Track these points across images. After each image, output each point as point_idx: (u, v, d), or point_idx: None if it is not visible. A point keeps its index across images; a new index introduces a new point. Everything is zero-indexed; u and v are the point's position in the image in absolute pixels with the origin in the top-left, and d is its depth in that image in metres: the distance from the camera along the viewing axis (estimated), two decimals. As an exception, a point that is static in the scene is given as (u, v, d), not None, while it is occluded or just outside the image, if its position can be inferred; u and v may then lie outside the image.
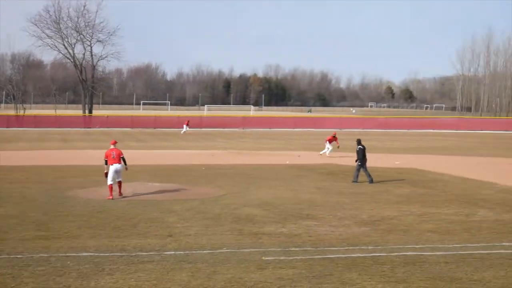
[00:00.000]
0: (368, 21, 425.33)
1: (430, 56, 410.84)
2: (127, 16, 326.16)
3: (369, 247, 16.97)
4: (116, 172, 25.30)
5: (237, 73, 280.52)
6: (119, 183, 25.59)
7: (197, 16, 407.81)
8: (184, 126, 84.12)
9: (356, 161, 31.73)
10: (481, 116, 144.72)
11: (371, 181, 30.74)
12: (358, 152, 31.60)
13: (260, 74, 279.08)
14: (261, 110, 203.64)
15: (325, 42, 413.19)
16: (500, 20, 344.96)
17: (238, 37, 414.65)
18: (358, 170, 31.46)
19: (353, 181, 31.14)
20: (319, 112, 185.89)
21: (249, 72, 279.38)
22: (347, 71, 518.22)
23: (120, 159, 25.47)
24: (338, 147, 46.87)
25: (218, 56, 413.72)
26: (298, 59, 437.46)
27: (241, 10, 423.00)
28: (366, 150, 31.96)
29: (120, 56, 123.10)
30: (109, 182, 25.27)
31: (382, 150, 52.08)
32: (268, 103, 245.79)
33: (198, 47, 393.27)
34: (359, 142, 32.29)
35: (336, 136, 47.67)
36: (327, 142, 46.71)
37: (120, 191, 25.53)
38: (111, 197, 24.89)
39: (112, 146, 25.78)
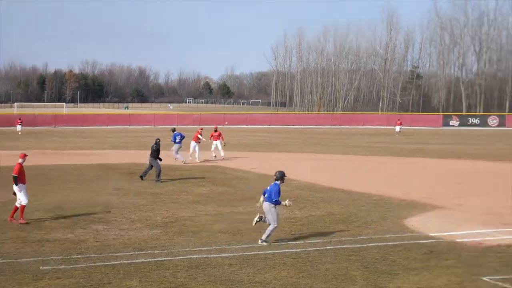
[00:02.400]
0: (184, 16, 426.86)
1: (247, 52, 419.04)
2: None
3: (156, 251, 16.58)
4: None
5: (52, 69, 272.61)
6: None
7: (7, 10, 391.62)
8: (18, 126, 79.50)
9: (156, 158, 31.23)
10: (294, 111, 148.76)
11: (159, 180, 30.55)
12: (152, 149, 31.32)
13: (76, 70, 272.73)
14: (77, 107, 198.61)
15: (142, 37, 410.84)
16: (311, 17, 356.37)
17: (54, 32, 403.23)
18: (150, 167, 31.24)
19: (140, 176, 31.16)
20: (136, 109, 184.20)
21: (64, 68, 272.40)
22: (165, 66, 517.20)
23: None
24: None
25: (32, 51, 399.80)
26: (115, 55, 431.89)
27: (57, 3, 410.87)
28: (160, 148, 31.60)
29: None
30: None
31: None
32: (85, 100, 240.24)
33: (11, 41, 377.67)
34: (156, 140, 31.82)
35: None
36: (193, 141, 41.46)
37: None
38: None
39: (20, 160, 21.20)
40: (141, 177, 31.12)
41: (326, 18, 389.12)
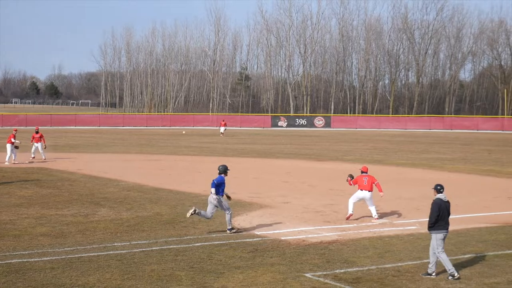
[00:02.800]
0: (9, 12, 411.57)
1: (74, 51, 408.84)
2: None
3: (-28, 257, 15.78)
4: None
5: None
6: None
7: None
8: None
9: None
10: (124, 112, 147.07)
11: None
12: None
13: None
14: None
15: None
16: (138, 16, 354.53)
17: None
18: None
19: None
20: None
21: None
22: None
23: None
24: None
25: None
26: None
27: None
28: None
29: None
30: None
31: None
32: None
33: None
34: None
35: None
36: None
37: None
38: None
39: None
40: None
41: (153, 17, 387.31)
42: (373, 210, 22.07)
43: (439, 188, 15.09)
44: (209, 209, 19.30)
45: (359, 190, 21.99)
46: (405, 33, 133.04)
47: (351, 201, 22.02)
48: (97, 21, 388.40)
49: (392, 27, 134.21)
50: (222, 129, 79.33)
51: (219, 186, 19.16)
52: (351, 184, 22.42)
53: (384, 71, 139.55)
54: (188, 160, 44.11)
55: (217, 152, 50.69)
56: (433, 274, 14.74)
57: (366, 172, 22.23)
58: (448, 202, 15.05)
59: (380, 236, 19.23)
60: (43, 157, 41.37)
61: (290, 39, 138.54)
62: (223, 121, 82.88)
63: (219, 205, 19.15)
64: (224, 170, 19.58)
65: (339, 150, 55.11)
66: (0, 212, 22.31)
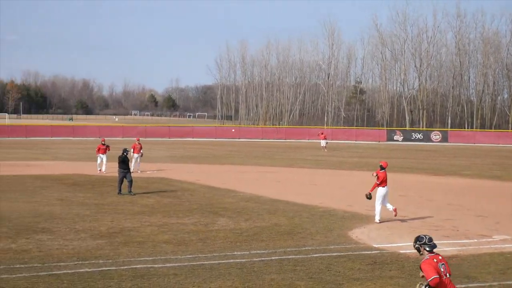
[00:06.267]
0: (128, 28, 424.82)
1: (191, 64, 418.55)
2: None
3: (100, 261, 16.46)
4: None
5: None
6: None
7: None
8: None
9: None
10: (239, 124, 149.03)
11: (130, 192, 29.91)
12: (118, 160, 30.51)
13: (18, 81, 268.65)
14: (20, 118, 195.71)
15: (86, 49, 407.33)
16: (252, 30, 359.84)
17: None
18: (120, 180, 30.37)
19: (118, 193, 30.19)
20: (81, 120, 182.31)
21: (5, 78, 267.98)
22: (109, 78, 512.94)
23: None
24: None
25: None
26: (58, 66, 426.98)
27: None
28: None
29: None
30: None
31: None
32: (27, 111, 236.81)
33: None
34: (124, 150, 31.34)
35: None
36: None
37: None
38: None
39: None
40: (119, 192, 30.12)
41: (267, 31, 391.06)
42: (389, 206, 23.52)
43: None
44: None
45: (381, 188, 23.42)
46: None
47: (380, 203, 23.45)
48: (213, 35, 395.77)
49: (511, 40, 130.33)
50: (323, 142, 74.77)
51: None
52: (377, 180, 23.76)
53: (502, 85, 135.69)
54: (304, 172, 44.29)
55: (332, 165, 50.63)
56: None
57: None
58: None
59: (501, 252, 18.78)
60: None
61: (405, 53, 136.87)
62: (322, 133, 78.33)
63: None
64: None
65: (457, 165, 53.95)
66: (124, 219, 23.13)
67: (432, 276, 9.91)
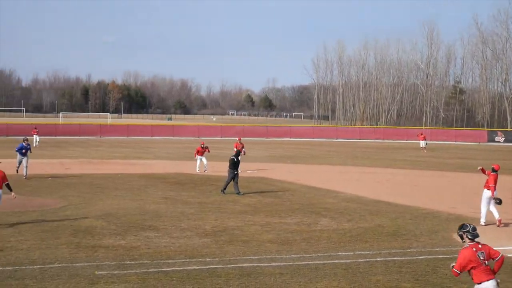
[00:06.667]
0: (226, 29, 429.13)
1: (288, 65, 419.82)
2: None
3: (207, 259, 16.74)
4: None
5: (95, 80, 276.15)
6: None
7: (50, 21, 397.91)
8: (35, 136, 69.74)
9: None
10: (336, 125, 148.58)
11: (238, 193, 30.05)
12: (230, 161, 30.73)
13: (119, 81, 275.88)
14: (121, 118, 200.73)
15: (184, 49, 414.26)
16: (349, 30, 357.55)
17: (94, 43, 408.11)
18: (229, 181, 30.61)
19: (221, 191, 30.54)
20: (179, 120, 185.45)
21: (107, 79, 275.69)
22: (206, 79, 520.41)
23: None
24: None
25: (75, 63, 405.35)
26: (157, 66, 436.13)
27: (94, 14, 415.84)
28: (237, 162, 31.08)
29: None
30: None
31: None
32: (128, 111, 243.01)
33: (54, 53, 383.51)
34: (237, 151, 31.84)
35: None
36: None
37: None
38: None
39: None
40: (223, 190, 30.47)
41: (364, 31, 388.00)
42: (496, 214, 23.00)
43: None
44: None
45: (488, 190, 22.97)
46: None
47: (486, 205, 23.09)
48: (310, 35, 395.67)
49: None
50: (422, 143, 73.82)
51: None
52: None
53: None
54: (404, 173, 43.78)
55: (433, 166, 49.87)
56: None
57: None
58: None
59: None
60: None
61: (507, 52, 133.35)
62: (422, 134, 77.49)
63: None
64: None
65: None
66: (228, 218, 23.43)
67: (456, 269, 10.75)
